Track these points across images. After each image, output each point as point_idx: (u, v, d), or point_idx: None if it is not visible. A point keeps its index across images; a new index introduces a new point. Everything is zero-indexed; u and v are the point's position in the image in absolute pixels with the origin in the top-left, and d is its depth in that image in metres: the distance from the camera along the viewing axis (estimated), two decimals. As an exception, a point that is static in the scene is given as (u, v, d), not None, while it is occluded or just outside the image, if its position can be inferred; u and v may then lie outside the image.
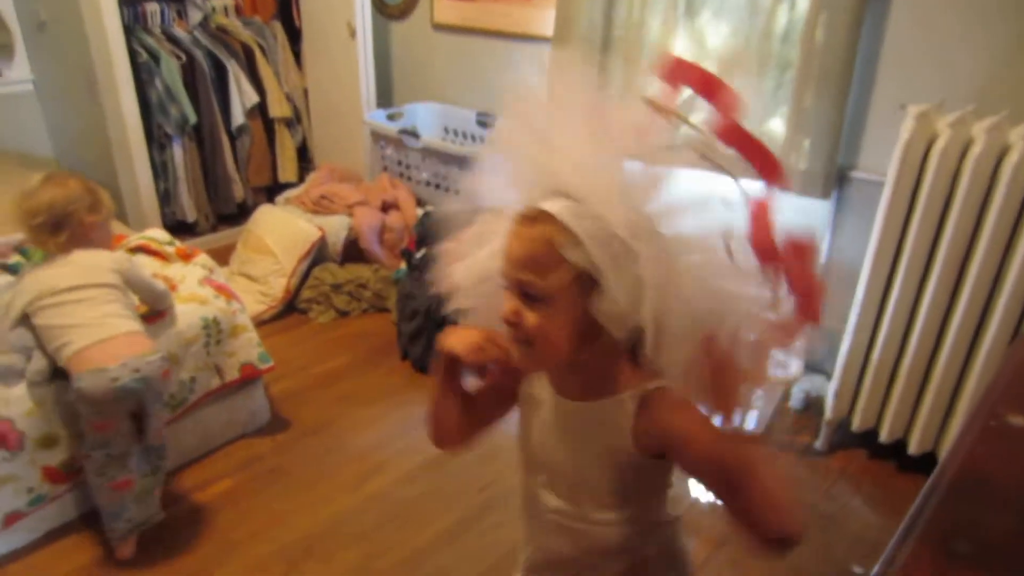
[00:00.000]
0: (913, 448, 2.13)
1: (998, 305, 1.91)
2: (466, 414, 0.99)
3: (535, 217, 0.79)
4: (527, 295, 0.80)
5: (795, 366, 2.25)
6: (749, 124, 0.80)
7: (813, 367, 2.51)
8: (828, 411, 2.26)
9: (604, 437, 0.88)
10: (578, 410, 0.89)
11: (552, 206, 0.78)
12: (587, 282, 0.78)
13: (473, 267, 0.89)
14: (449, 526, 1.98)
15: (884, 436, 2.18)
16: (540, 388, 0.95)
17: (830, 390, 2.25)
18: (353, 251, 3.07)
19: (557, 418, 0.92)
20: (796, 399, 2.49)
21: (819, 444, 2.31)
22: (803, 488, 2.15)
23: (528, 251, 0.79)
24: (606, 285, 0.77)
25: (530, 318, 0.80)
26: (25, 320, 1.74)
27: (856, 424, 2.22)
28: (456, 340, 0.91)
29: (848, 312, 2.16)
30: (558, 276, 0.78)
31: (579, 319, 0.80)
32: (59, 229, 1.75)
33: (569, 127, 0.80)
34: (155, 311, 1.96)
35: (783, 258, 0.78)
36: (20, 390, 1.75)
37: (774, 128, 2.37)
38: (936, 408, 2.07)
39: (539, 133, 0.81)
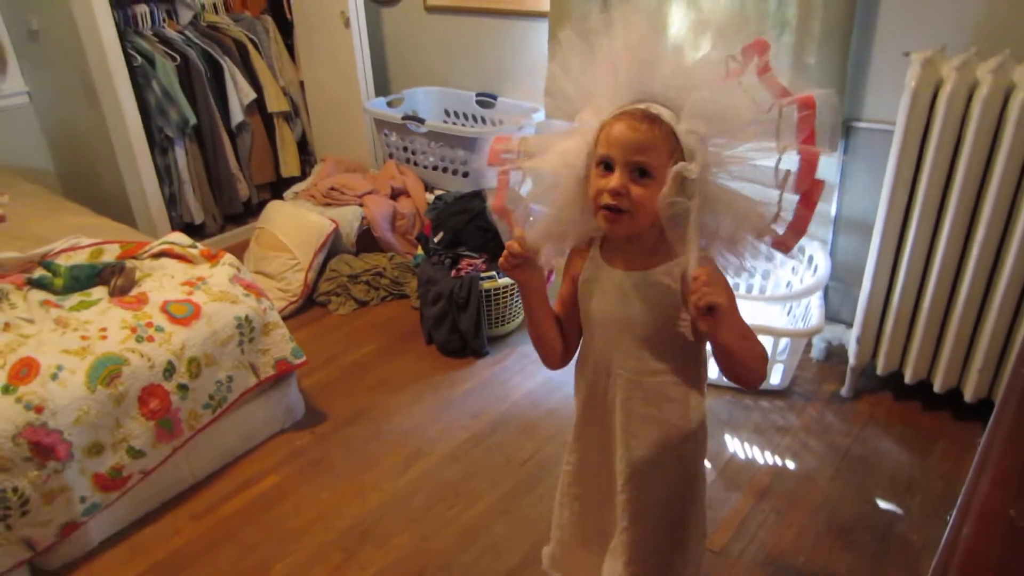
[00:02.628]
0: (938, 387, 2.19)
1: (1013, 241, 1.95)
2: (557, 327, 1.27)
3: (644, 115, 1.06)
4: (637, 172, 1.06)
5: (816, 317, 2.30)
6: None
7: (833, 317, 2.56)
8: (852, 358, 2.31)
9: (663, 294, 1.14)
10: (644, 276, 1.15)
11: (658, 110, 1.06)
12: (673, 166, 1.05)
13: (564, 154, 1.13)
14: (497, 501, 2.02)
15: (908, 378, 2.24)
16: (599, 271, 1.20)
17: (852, 337, 2.30)
18: (367, 240, 3.08)
19: (628, 285, 1.16)
20: (818, 349, 2.54)
21: (845, 391, 2.37)
22: (834, 435, 2.21)
23: (642, 138, 1.05)
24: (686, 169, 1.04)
25: (635, 190, 1.06)
26: None
27: (880, 368, 2.27)
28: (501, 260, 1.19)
29: (864, 261, 2.20)
30: (661, 158, 1.05)
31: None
32: None
33: (670, 51, 1.08)
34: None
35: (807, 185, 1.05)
36: (66, 400, 1.76)
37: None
38: (958, 346, 2.12)
39: (647, 52, 1.07)
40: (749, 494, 2.01)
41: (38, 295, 2.02)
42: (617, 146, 1.06)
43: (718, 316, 1.02)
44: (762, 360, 1.14)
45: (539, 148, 1.18)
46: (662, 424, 1.21)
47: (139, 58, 3.04)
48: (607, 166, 1.08)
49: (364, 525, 1.96)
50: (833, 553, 1.82)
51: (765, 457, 2.14)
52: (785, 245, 1.10)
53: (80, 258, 2.19)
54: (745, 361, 1.12)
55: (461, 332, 2.59)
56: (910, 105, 1.97)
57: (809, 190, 1.05)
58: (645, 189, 1.06)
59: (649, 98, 1.07)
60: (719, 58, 1.06)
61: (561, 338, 1.27)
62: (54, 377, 1.76)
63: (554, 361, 1.29)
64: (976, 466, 0.87)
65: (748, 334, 1.12)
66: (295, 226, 2.97)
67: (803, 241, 2.47)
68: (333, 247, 3.01)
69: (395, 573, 1.82)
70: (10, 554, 1.73)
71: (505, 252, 1.16)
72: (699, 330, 1.08)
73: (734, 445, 2.19)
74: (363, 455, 2.21)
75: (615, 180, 1.06)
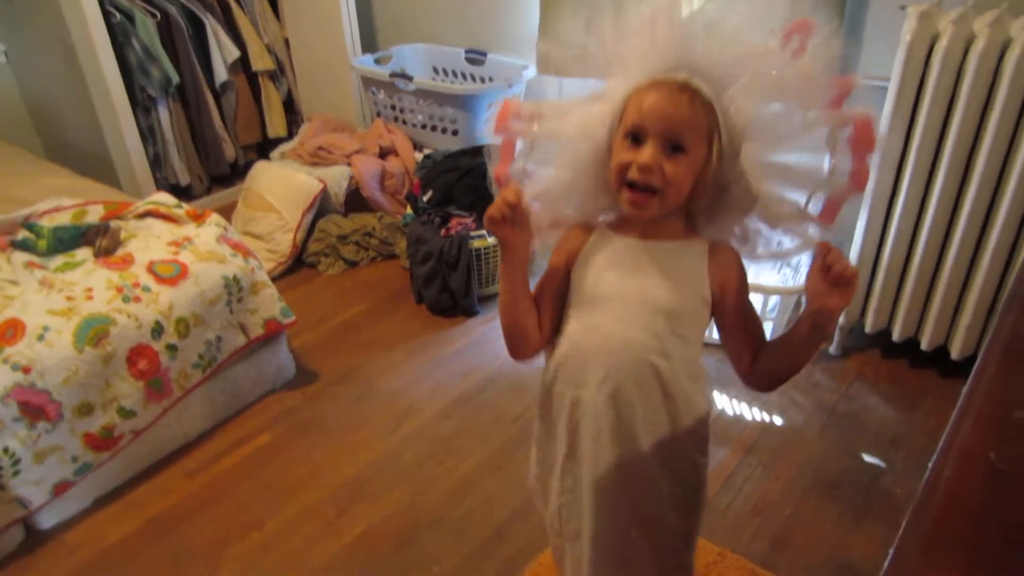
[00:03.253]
0: (925, 344, 2.21)
1: (1003, 201, 1.95)
2: (533, 312, 1.11)
3: (684, 87, 0.96)
4: (669, 146, 0.96)
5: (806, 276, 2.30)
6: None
7: (821, 275, 2.57)
8: (841, 316, 2.32)
9: (688, 268, 1.06)
10: (666, 248, 1.06)
11: (698, 83, 0.97)
12: (708, 145, 0.98)
13: (586, 121, 1.03)
14: (488, 457, 2.04)
15: (896, 335, 2.25)
16: (606, 241, 1.09)
17: (841, 296, 2.31)
18: (356, 200, 3.06)
19: (645, 255, 1.06)
20: (808, 308, 2.55)
21: (833, 349, 2.38)
22: (822, 392, 2.23)
23: (683, 112, 0.96)
24: (718, 149, 0.98)
25: (668, 166, 0.96)
26: None
27: (869, 326, 2.29)
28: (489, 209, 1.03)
29: (855, 218, 2.20)
30: (698, 134, 0.97)
31: (695, 174, 0.99)
32: None
33: (711, 22, 0.99)
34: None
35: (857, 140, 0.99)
36: (54, 360, 1.76)
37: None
38: (946, 304, 2.13)
39: (690, 20, 0.99)
40: (737, 449, 2.03)
41: (22, 257, 2.00)
42: (652, 116, 0.95)
43: (854, 290, 0.96)
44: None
45: (556, 114, 1.07)
46: (672, 420, 1.09)
47: (117, 15, 2.96)
48: (635, 138, 0.98)
49: (356, 482, 1.98)
50: (818, 506, 1.85)
51: (753, 413, 2.16)
52: (833, 211, 1.03)
53: (63, 219, 2.16)
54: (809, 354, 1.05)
55: (451, 291, 2.59)
56: (905, 60, 1.94)
57: (862, 149, 1.00)
58: (677, 166, 0.96)
59: (685, 68, 0.97)
60: (759, 31, 0.99)
61: (533, 321, 1.10)
62: (40, 338, 1.75)
63: (527, 348, 1.12)
64: (958, 412, 0.88)
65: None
66: (282, 186, 2.94)
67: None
68: (321, 207, 2.98)
69: (387, 528, 1.84)
70: (4, 513, 1.74)
71: (498, 201, 1.01)
72: (826, 308, 0.97)
73: (722, 401, 2.21)
74: (354, 414, 2.22)
75: (647, 154, 0.96)
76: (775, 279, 2.52)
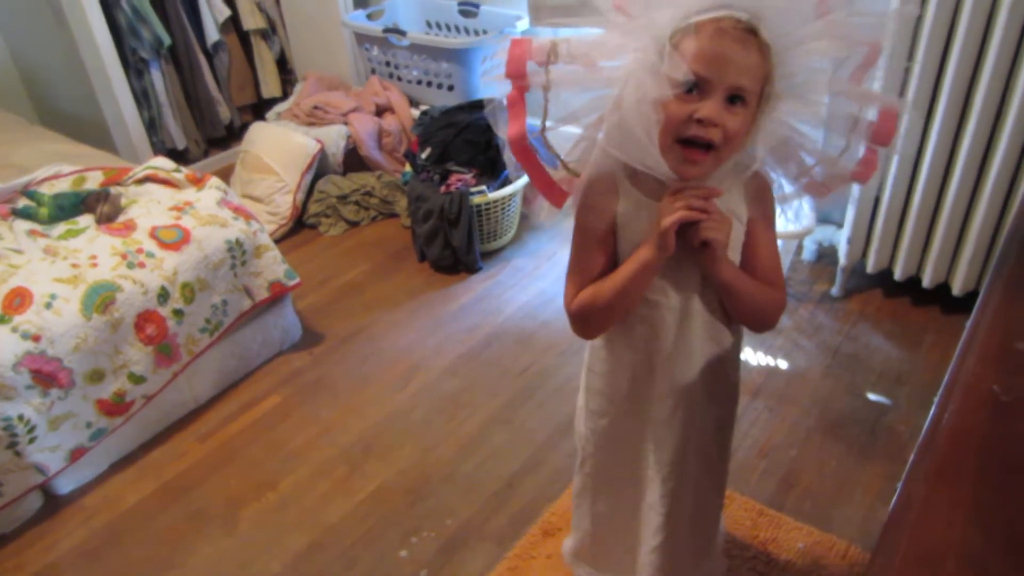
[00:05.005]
0: (927, 282, 2.21)
1: (1002, 135, 1.94)
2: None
3: (748, 28, 0.86)
4: (732, 97, 0.87)
5: (808, 218, 2.29)
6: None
7: (823, 218, 2.56)
8: (842, 258, 2.33)
9: (733, 212, 1.01)
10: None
11: (761, 25, 0.86)
12: (760, 93, 0.90)
13: (637, 64, 0.88)
14: (496, 411, 2.06)
15: (898, 274, 2.26)
16: (642, 209, 1.00)
17: (843, 237, 2.31)
18: (354, 160, 3.04)
19: None
20: (809, 251, 2.55)
21: (836, 290, 2.39)
22: (825, 334, 2.25)
23: (750, 57, 0.86)
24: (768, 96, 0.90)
25: (729, 120, 0.87)
26: None
27: (871, 266, 2.29)
28: (674, 214, 0.93)
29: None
30: (758, 83, 0.88)
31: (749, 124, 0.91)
32: None
33: None
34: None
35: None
36: (63, 328, 1.77)
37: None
38: (947, 241, 2.13)
39: None
40: (743, 394, 2.03)
41: (24, 225, 2.00)
42: (719, 66, 0.85)
43: (712, 252, 0.95)
44: (772, 305, 1.06)
45: (583, 52, 0.91)
46: (721, 361, 1.11)
47: (104, -24, 2.91)
48: (689, 88, 0.86)
49: (366, 440, 2.01)
50: (824, 446, 1.88)
51: (758, 358, 2.18)
52: (827, 189, 1.01)
53: (63, 186, 2.15)
54: (748, 302, 1.03)
55: (453, 248, 2.59)
56: (903, -10, 1.91)
57: (879, 139, 0.97)
58: (737, 118, 0.88)
59: (743, 7, 0.86)
60: None
61: None
62: (48, 306, 1.76)
63: (605, 327, 1.09)
64: (962, 345, 0.89)
65: (774, 279, 1.06)
66: (280, 147, 2.92)
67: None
68: (320, 167, 2.97)
69: (399, 483, 1.87)
70: (22, 479, 1.77)
71: (695, 203, 0.92)
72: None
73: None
74: (361, 373, 2.24)
75: (710, 107, 0.86)
76: (779, 223, 2.51)
